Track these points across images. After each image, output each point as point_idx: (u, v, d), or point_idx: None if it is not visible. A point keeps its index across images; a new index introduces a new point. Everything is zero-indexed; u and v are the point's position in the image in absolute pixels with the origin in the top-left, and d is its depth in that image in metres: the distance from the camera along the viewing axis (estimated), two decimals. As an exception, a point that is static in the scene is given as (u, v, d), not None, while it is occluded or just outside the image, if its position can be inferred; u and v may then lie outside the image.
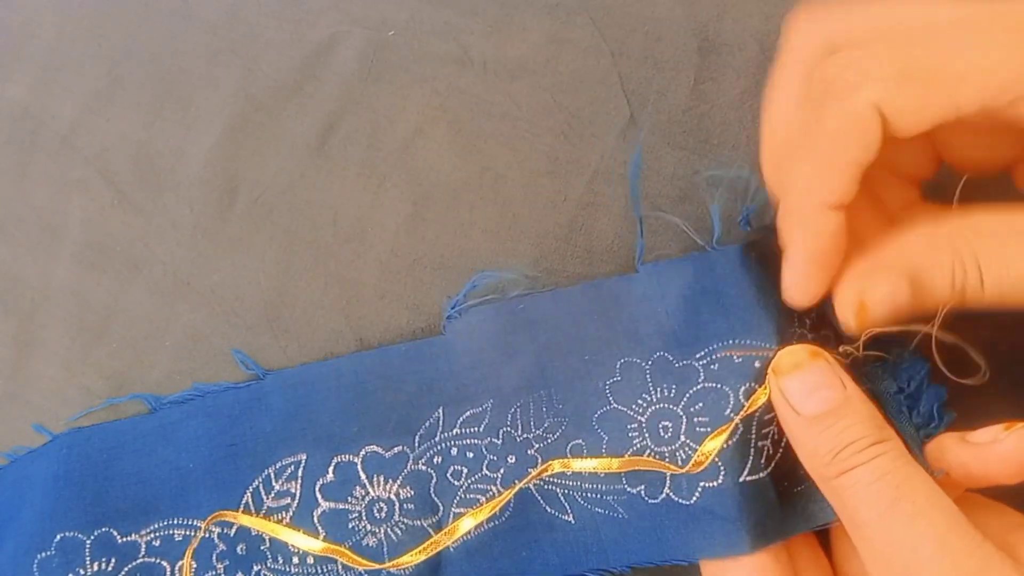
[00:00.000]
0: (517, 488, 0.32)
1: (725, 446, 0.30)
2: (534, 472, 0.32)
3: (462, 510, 0.33)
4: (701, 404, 0.30)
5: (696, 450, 0.30)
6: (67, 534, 0.33)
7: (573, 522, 0.32)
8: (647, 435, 0.31)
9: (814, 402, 0.27)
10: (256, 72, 0.40)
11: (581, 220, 0.37)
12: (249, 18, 0.41)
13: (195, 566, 0.33)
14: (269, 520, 0.33)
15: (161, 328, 0.37)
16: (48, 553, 0.33)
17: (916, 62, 0.25)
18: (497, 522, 0.32)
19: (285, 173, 0.39)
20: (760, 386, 0.30)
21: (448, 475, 0.33)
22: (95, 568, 0.33)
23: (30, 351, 0.38)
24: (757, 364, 0.30)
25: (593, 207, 0.37)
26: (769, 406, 0.30)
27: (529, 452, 0.33)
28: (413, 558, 0.32)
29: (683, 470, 0.30)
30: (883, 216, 0.31)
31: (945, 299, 0.26)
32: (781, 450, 0.30)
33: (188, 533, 0.33)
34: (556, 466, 0.32)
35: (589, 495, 0.32)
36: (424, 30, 0.40)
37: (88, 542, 0.33)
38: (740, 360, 0.31)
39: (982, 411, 0.33)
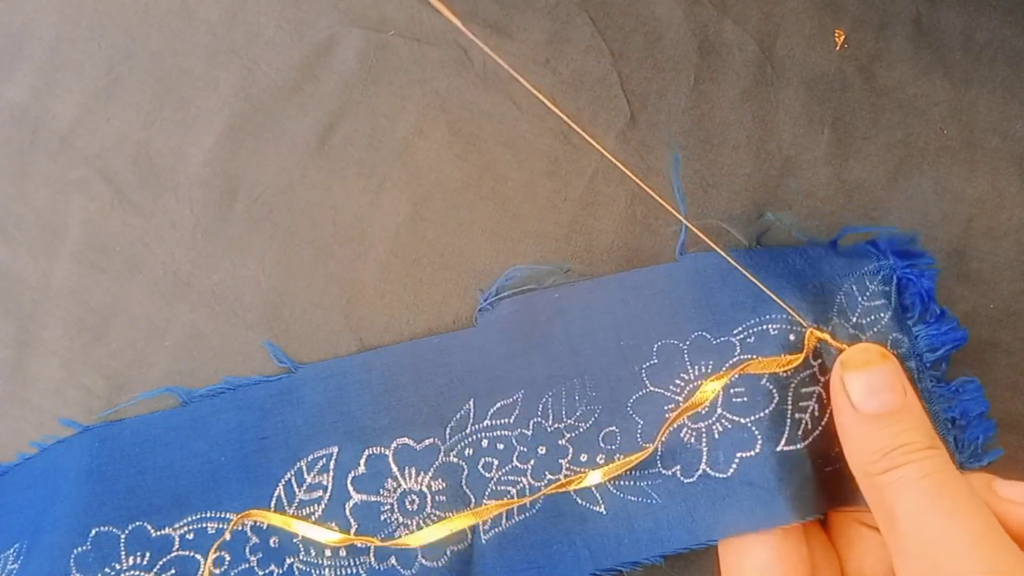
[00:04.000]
0: (539, 495, 0.32)
1: (762, 415, 0.30)
2: (563, 481, 0.32)
3: (493, 502, 0.33)
4: (737, 376, 0.31)
5: (736, 422, 0.30)
6: (102, 528, 0.33)
7: (605, 513, 0.32)
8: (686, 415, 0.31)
9: (875, 401, 0.27)
10: (256, 72, 0.40)
11: (581, 220, 0.37)
12: (249, 18, 0.41)
13: (228, 559, 0.33)
14: (297, 516, 0.33)
15: (161, 328, 0.37)
16: (84, 548, 0.33)
17: None
18: (528, 514, 0.32)
19: (285, 173, 0.39)
20: (788, 353, 0.30)
21: (479, 467, 0.33)
22: (130, 562, 0.33)
23: (30, 351, 0.38)
24: (792, 336, 0.31)
25: (593, 207, 0.37)
26: (807, 380, 0.31)
27: (560, 442, 0.33)
28: (432, 532, 0.31)
29: (687, 406, 0.30)
30: None
31: None
32: (820, 428, 0.31)
33: (221, 526, 0.33)
34: (589, 478, 0.32)
35: (622, 483, 0.32)
36: (424, 30, 0.40)
37: (123, 536, 0.33)
38: (776, 332, 0.31)
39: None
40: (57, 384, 0.37)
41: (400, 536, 0.32)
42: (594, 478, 0.32)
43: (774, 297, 0.31)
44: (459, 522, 0.32)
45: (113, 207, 0.39)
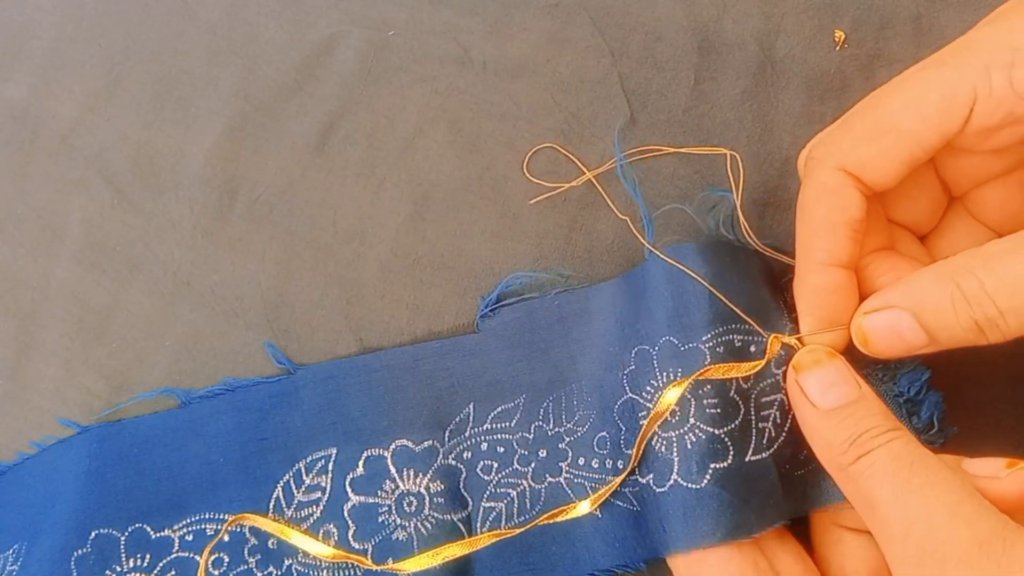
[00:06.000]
0: (529, 526, 0.32)
1: (733, 426, 0.30)
2: (554, 512, 0.32)
3: (491, 504, 0.33)
4: (709, 386, 0.31)
5: (709, 433, 0.30)
6: (102, 531, 0.33)
7: (600, 516, 0.32)
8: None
9: (832, 396, 0.28)
10: (256, 72, 0.40)
11: (581, 220, 0.37)
12: (249, 18, 0.41)
13: (228, 560, 0.33)
14: (296, 519, 0.33)
15: (161, 328, 0.37)
16: (85, 550, 0.33)
17: (870, 121, 0.29)
18: (527, 517, 0.32)
19: (285, 173, 0.39)
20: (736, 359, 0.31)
21: (478, 470, 0.33)
22: (131, 564, 0.33)
23: (30, 351, 0.38)
24: (753, 348, 0.31)
25: (593, 207, 0.37)
26: (768, 389, 0.31)
27: (560, 446, 0.33)
28: (425, 560, 0.31)
29: (653, 416, 0.30)
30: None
31: (958, 334, 0.27)
32: (784, 434, 0.31)
33: (220, 528, 0.33)
34: (579, 508, 0.32)
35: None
36: (424, 30, 0.40)
37: (123, 539, 0.33)
38: (740, 344, 0.31)
39: (977, 414, 0.33)
40: (57, 384, 0.37)
41: (397, 538, 0.32)
42: (584, 508, 0.32)
43: (734, 308, 0.31)
44: (452, 551, 0.32)
45: (113, 207, 0.39)
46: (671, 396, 0.30)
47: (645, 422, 0.31)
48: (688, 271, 0.32)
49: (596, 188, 0.37)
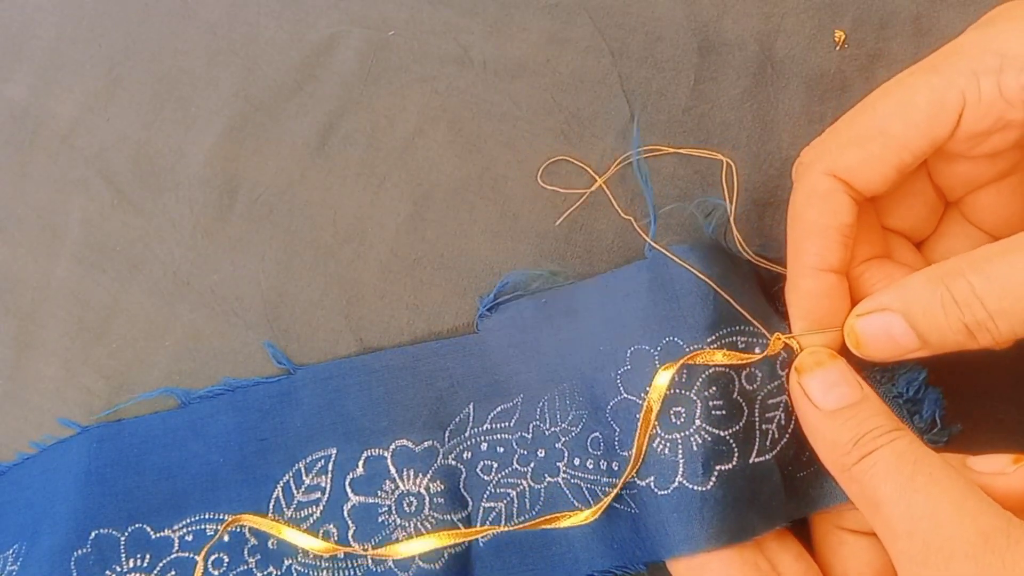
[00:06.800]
0: (525, 526, 0.32)
1: (738, 427, 0.30)
2: (551, 517, 0.32)
3: (491, 504, 0.33)
4: (714, 388, 0.30)
5: (715, 435, 0.30)
6: (102, 531, 0.33)
7: (598, 517, 0.32)
8: (656, 423, 0.31)
9: (835, 397, 0.28)
10: (256, 72, 0.40)
11: (581, 220, 0.37)
12: (249, 18, 0.41)
13: (227, 560, 0.33)
14: (294, 519, 0.33)
15: (161, 328, 0.37)
16: (85, 551, 0.33)
17: (859, 127, 0.29)
18: (527, 517, 0.32)
19: (285, 173, 0.39)
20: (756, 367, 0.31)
21: (478, 470, 0.33)
22: (130, 564, 0.33)
23: (30, 351, 0.38)
24: (757, 350, 0.31)
25: (593, 207, 0.37)
26: (774, 391, 0.31)
27: (557, 446, 0.33)
28: (416, 545, 0.31)
29: (646, 411, 0.30)
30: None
31: (948, 336, 0.27)
32: (787, 437, 0.31)
33: (219, 528, 0.33)
34: (580, 516, 0.31)
35: (608, 490, 0.32)
36: (424, 30, 0.40)
37: (123, 539, 0.33)
38: (743, 345, 0.31)
39: (980, 416, 0.33)
40: (57, 384, 0.37)
41: (397, 539, 0.32)
42: (586, 515, 0.31)
43: (739, 310, 0.31)
44: (444, 539, 0.32)
45: (113, 207, 0.39)
46: (662, 380, 0.30)
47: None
48: (696, 272, 0.32)
49: (600, 189, 0.37)
